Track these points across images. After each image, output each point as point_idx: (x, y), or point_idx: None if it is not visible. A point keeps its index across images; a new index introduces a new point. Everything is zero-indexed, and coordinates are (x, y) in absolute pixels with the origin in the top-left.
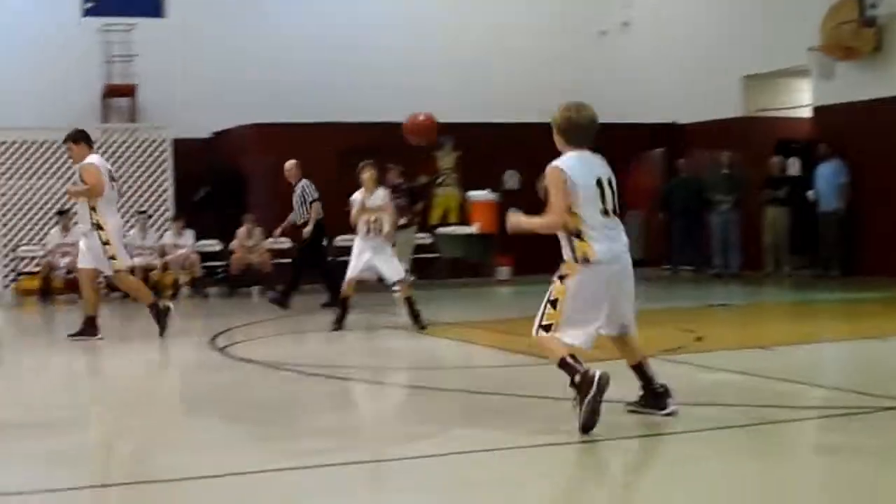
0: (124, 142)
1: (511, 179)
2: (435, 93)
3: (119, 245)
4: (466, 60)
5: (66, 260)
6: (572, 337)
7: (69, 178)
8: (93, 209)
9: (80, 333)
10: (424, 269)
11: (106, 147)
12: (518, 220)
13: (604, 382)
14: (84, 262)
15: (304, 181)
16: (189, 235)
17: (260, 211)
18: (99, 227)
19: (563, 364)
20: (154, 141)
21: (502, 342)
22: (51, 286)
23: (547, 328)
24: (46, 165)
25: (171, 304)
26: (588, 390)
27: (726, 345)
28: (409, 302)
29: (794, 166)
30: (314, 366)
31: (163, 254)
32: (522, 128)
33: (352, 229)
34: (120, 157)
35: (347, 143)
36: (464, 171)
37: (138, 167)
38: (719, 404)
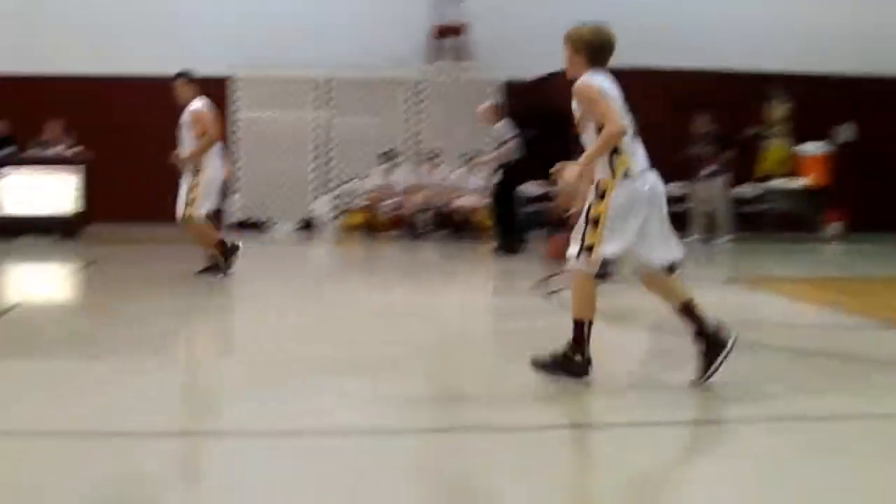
0: (452, 82)
1: (846, 132)
2: (766, 42)
3: (206, 193)
4: (800, 8)
5: (390, 200)
6: (612, 247)
7: (395, 117)
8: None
9: (206, 269)
10: (750, 221)
11: (432, 87)
12: (572, 169)
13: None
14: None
15: (504, 121)
16: None
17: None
18: (197, 170)
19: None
20: (483, 81)
21: (831, 300)
22: (374, 223)
23: (590, 249)
24: (372, 103)
25: (239, 243)
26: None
27: None
28: None
29: None
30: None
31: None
32: (857, 81)
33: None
34: (447, 97)
35: (679, 89)
36: (796, 123)
37: (466, 107)
38: None
